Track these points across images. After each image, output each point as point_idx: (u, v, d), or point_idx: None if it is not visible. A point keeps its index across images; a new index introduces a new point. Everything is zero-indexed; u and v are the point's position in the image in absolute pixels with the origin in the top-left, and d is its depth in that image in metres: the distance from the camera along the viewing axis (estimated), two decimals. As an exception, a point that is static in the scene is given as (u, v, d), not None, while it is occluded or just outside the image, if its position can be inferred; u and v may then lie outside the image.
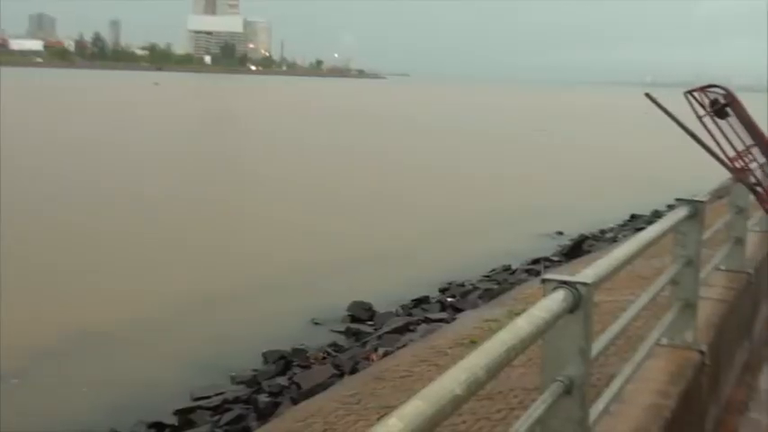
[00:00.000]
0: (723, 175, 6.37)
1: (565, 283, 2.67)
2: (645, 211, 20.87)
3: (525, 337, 2.26)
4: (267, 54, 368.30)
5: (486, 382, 2.02)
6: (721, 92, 6.51)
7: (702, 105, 6.45)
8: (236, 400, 8.79)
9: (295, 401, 8.02)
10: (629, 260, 3.37)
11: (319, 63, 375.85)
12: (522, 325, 2.30)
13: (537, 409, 2.51)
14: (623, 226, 19.27)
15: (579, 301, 2.64)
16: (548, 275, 2.78)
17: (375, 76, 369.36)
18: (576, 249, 15.94)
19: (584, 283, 2.68)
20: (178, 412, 8.60)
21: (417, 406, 1.75)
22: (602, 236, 17.81)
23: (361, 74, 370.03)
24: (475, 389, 1.96)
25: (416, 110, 76.82)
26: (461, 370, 1.95)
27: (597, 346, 3.07)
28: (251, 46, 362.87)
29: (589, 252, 14.91)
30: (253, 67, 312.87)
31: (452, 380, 1.90)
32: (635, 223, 18.97)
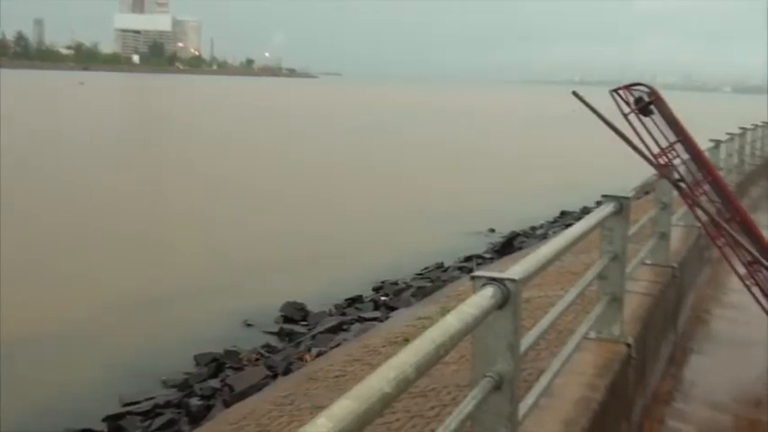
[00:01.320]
0: (649, 172, 6.51)
1: (493, 279, 2.68)
2: (574, 207, 21.24)
3: (454, 334, 2.26)
4: (197, 53, 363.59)
5: (415, 379, 2.02)
6: (645, 90, 6.65)
7: (627, 103, 6.59)
8: (168, 405, 8.65)
9: (228, 404, 7.94)
10: (556, 256, 3.42)
11: (250, 62, 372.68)
12: (452, 322, 2.31)
13: (467, 405, 2.52)
14: (553, 223, 19.59)
15: (508, 297, 2.66)
16: (477, 273, 2.79)
17: (307, 75, 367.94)
18: (508, 246, 16.16)
19: (513, 280, 2.70)
20: (107, 418, 8.42)
21: (346, 405, 1.74)
22: (533, 232, 18.08)
23: (292, 73, 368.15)
24: (404, 387, 1.96)
25: (348, 109, 76.77)
26: (390, 368, 1.95)
27: (526, 341, 3.10)
28: (180, 45, 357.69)
29: (520, 249, 15.14)
30: (180, 66, 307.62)
31: (381, 378, 1.89)
32: (564, 220, 19.30)
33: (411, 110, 79.83)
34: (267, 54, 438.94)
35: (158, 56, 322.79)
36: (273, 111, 70.14)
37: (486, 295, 2.59)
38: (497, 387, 2.67)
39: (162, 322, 11.54)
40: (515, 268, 2.94)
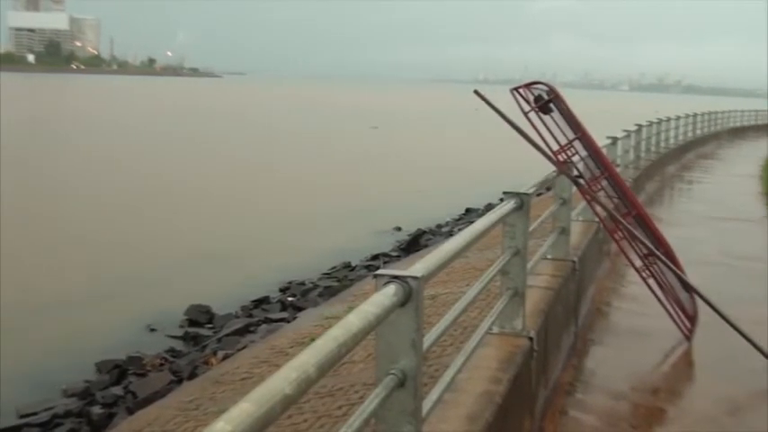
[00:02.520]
0: (550, 169, 6.66)
1: (396, 277, 2.69)
2: (479, 204, 21.56)
3: (357, 333, 2.25)
4: (96, 52, 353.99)
5: (317, 379, 2.00)
6: (545, 88, 6.80)
7: (527, 101, 6.72)
8: (68, 414, 8.38)
9: (131, 411, 7.76)
10: (458, 253, 3.44)
11: (152, 62, 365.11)
12: (354, 321, 2.30)
13: (371, 403, 2.51)
14: (458, 220, 19.84)
15: (410, 294, 2.67)
16: (379, 271, 2.79)
17: (210, 74, 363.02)
18: (414, 244, 16.30)
19: (415, 277, 2.70)
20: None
21: (245, 408, 1.71)
22: (439, 230, 18.28)
23: (195, 72, 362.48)
24: (306, 387, 1.94)
25: (251, 108, 76.02)
26: (291, 369, 1.93)
27: (430, 338, 3.12)
28: (78, 44, 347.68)
29: (426, 246, 15.30)
30: (74, 66, 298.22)
31: (282, 380, 1.86)
32: (469, 217, 19.57)
33: (315, 109, 79.59)
34: (169, 53, 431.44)
35: (55, 55, 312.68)
36: (172, 110, 68.85)
37: (388, 293, 2.59)
38: (401, 384, 2.67)
39: (61, 329, 11.16)
40: (417, 266, 2.95)
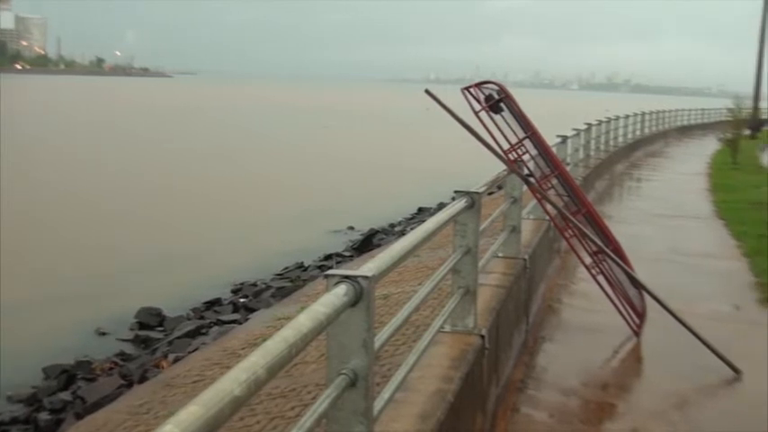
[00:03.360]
0: (501, 168, 6.71)
1: (346, 277, 2.68)
2: (431, 203, 21.64)
3: (307, 333, 2.24)
4: (42, 52, 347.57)
5: (267, 381, 1.99)
6: (495, 88, 6.84)
7: (478, 101, 6.76)
8: (14, 421, 8.21)
9: (80, 416, 7.64)
10: (409, 253, 3.44)
11: (100, 61, 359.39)
12: (304, 321, 2.28)
13: (322, 403, 2.50)
14: (411, 219, 19.91)
15: (361, 294, 2.66)
16: (330, 271, 2.79)
17: (160, 74, 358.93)
18: (367, 243, 16.31)
19: (365, 277, 2.70)
20: (-56, 441, 7.93)
21: (194, 411, 1.68)
22: (392, 229, 18.32)
23: (145, 72, 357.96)
24: (255, 389, 1.92)
25: (200, 109, 75.30)
26: (241, 370, 1.91)
27: (381, 337, 3.11)
28: (24, 44, 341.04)
29: (379, 245, 15.31)
30: (19, 66, 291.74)
31: (231, 381, 1.84)
32: (422, 216, 19.63)
33: (267, 109, 79.17)
34: (118, 53, 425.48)
35: (0, 55, 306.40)
36: (122, 109, 67.92)
37: (339, 293, 2.58)
38: (352, 384, 2.67)
39: (6, 334, 10.89)
40: (368, 265, 2.95)
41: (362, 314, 2.69)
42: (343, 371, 2.68)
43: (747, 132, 34.17)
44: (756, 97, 41.85)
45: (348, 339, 2.70)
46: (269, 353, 2.03)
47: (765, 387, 5.75)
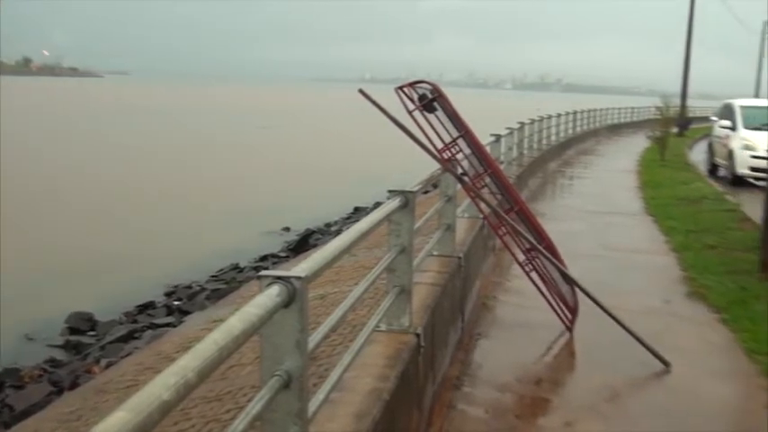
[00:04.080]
0: (435, 167, 6.75)
1: (279, 278, 2.66)
2: (368, 203, 21.65)
3: (238, 335, 2.22)
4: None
5: (197, 384, 1.96)
6: (429, 87, 6.88)
7: (412, 100, 6.79)
8: (-62, 433, 7.97)
9: (8, 425, 7.44)
10: (343, 252, 3.44)
11: (27, 61, 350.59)
12: (235, 323, 2.26)
13: (255, 405, 2.48)
14: (347, 219, 19.89)
15: (294, 295, 2.65)
16: (262, 272, 2.77)
17: (90, 74, 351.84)
18: (303, 244, 16.25)
19: (298, 277, 2.69)
20: None
21: (122, 417, 1.65)
22: (328, 229, 18.28)
23: (74, 72, 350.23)
24: (185, 392, 1.89)
25: (131, 109, 74.06)
26: (170, 375, 1.88)
27: (316, 338, 3.10)
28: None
29: (315, 246, 15.26)
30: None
31: (160, 386, 1.81)
32: (358, 216, 19.62)
33: (201, 109, 78.26)
34: (46, 52, 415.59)
35: None
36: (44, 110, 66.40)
37: (271, 294, 2.56)
38: (286, 385, 2.65)
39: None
40: (302, 266, 2.94)
41: (296, 315, 2.68)
42: (277, 372, 2.66)
43: (675, 130, 35.00)
44: (684, 96, 42.93)
45: (281, 340, 2.69)
46: (199, 356, 2.00)
47: (693, 379, 5.91)
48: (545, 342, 6.69)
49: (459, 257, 6.72)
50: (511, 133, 14.89)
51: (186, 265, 14.83)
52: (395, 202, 4.60)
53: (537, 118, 20.76)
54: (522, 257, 7.09)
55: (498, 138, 12.53)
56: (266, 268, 13.28)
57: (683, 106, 41.87)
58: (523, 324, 7.21)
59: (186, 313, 11.27)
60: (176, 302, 12.23)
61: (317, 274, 2.99)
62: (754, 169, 18.78)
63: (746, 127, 20.32)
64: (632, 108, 48.30)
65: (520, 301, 7.78)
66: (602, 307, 6.55)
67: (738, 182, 19.73)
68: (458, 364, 5.98)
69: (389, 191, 4.80)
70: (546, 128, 22.49)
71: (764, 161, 9.95)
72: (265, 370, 2.70)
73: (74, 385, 8.30)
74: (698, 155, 27.80)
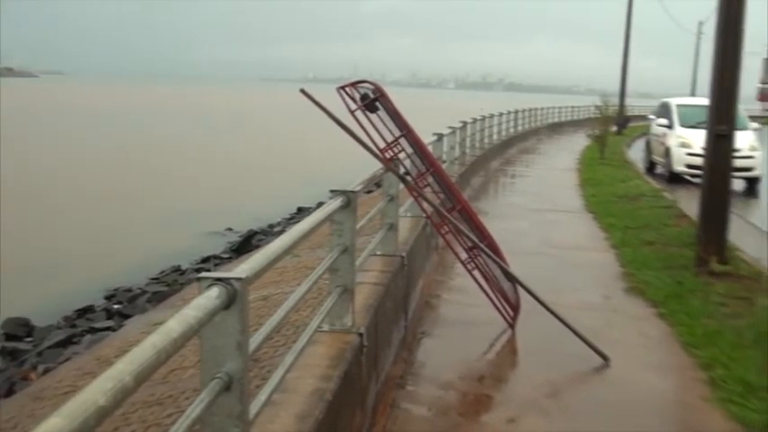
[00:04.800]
0: (378, 166, 6.76)
1: (219, 279, 2.64)
2: (311, 203, 21.57)
3: (177, 338, 2.19)
4: None
5: (135, 388, 1.93)
6: (370, 87, 6.89)
7: (354, 100, 6.79)
8: None
9: (-59, 435, 7.23)
10: (284, 253, 3.42)
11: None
12: (174, 326, 2.23)
13: (195, 408, 2.45)
14: (290, 219, 19.81)
15: (234, 296, 2.63)
16: (202, 273, 2.74)
17: (26, 74, 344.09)
18: (246, 245, 16.14)
19: (239, 278, 2.67)
20: None
21: (56, 423, 1.62)
22: (271, 230, 18.19)
23: (9, 72, 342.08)
24: (122, 397, 1.86)
25: (65, 110, 72.64)
26: (106, 379, 1.85)
27: (257, 339, 3.08)
28: None
29: (258, 247, 15.16)
30: None
31: (96, 391, 1.78)
32: (302, 216, 19.55)
33: (142, 110, 77.13)
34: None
35: None
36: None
37: (211, 296, 2.54)
38: (227, 387, 2.63)
39: None
40: (242, 267, 2.92)
41: (236, 316, 2.66)
42: (218, 375, 2.64)
43: (614, 129, 35.61)
44: (622, 95, 43.70)
45: (222, 342, 2.67)
46: (136, 360, 1.97)
47: (631, 372, 6.02)
48: (488, 339, 6.75)
49: (403, 256, 6.74)
50: (453, 132, 14.98)
51: (127, 267, 14.61)
52: (337, 202, 4.60)
53: (479, 117, 20.93)
54: (464, 256, 7.14)
55: (440, 137, 12.60)
56: (208, 270, 13.15)
57: (622, 105, 42.63)
58: (466, 322, 7.25)
59: (127, 317, 11.09)
60: (116, 306, 12.04)
61: (257, 275, 2.98)
62: (690, 166, 19.20)
63: (683, 125, 20.76)
64: (572, 107, 49.02)
65: (463, 299, 7.84)
66: (542, 304, 6.63)
67: (675, 179, 20.17)
68: (401, 362, 6.00)
69: (331, 191, 4.80)
70: (488, 127, 22.69)
71: (700, 158, 10.18)
72: (205, 372, 2.67)
73: (10, 393, 8.10)
74: (636, 153, 28.31)
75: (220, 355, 2.67)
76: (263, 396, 3.11)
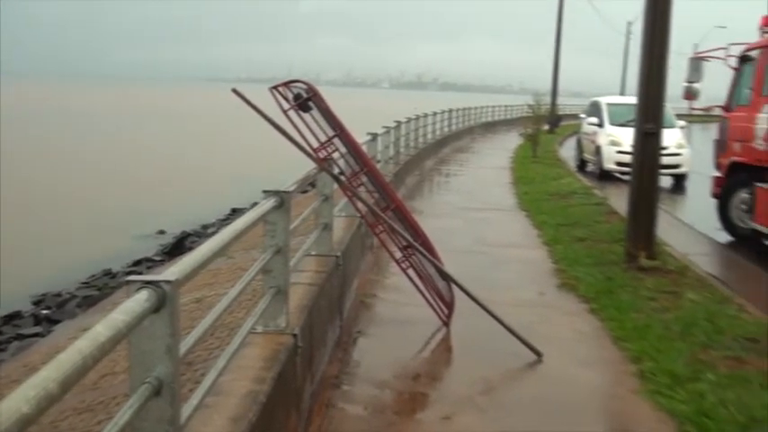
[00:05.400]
0: (313, 166, 6.74)
1: (148, 283, 2.61)
2: (245, 204, 21.37)
3: (104, 343, 2.15)
4: None
5: (60, 395, 1.89)
6: (303, 87, 6.87)
7: (287, 99, 6.76)
8: None
9: None
10: (216, 255, 3.39)
11: None
12: (101, 330, 2.19)
13: (124, 415, 2.41)
14: (224, 220, 19.61)
15: (164, 299, 2.60)
16: (130, 277, 2.70)
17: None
18: (179, 247, 15.93)
19: (168, 281, 2.64)
20: None
21: (-26, 432, 1.58)
22: (205, 231, 17.97)
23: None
24: (47, 405, 1.82)
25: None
26: (30, 387, 1.80)
27: (188, 343, 3.05)
28: None
29: (191, 249, 14.97)
30: None
31: (19, 398, 1.74)
32: (236, 217, 19.36)
33: (70, 112, 75.50)
34: None
35: None
36: None
37: (140, 300, 2.50)
38: (157, 392, 2.60)
39: None
40: (172, 269, 2.88)
41: (166, 320, 2.63)
42: (148, 379, 2.60)
43: (546, 128, 36.16)
44: (554, 94, 44.42)
45: (152, 346, 2.63)
46: (61, 366, 1.93)
47: (564, 367, 6.12)
48: (423, 338, 6.78)
49: (337, 256, 6.74)
50: (387, 132, 15.03)
51: (56, 271, 14.27)
52: (270, 203, 4.57)
53: (413, 116, 21.03)
54: (399, 255, 7.17)
55: (375, 136, 12.62)
56: (140, 273, 12.96)
57: (554, 104, 43.34)
58: (402, 321, 7.28)
59: (56, 322, 10.85)
60: (45, 311, 11.74)
61: (188, 277, 2.94)
62: (619, 164, 19.63)
63: (612, 124, 21.20)
64: (506, 106, 49.63)
65: (398, 298, 7.86)
66: (476, 301, 6.70)
67: (605, 176, 20.59)
68: (337, 362, 5.99)
69: (264, 191, 4.77)
70: (422, 126, 22.82)
71: (629, 156, 10.42)
72: (135, 377, 2.63)
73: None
74: (568, 151, 28.80)
75: (150, 359, 2.63)
76: (194, 400, 3.07)
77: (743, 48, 12.71)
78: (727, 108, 13.13)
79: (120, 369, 5.52)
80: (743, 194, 12.11)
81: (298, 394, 4.57)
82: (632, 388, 5.65)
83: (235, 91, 6.44)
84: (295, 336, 4.53)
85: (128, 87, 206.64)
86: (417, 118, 21.68)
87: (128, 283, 2.66)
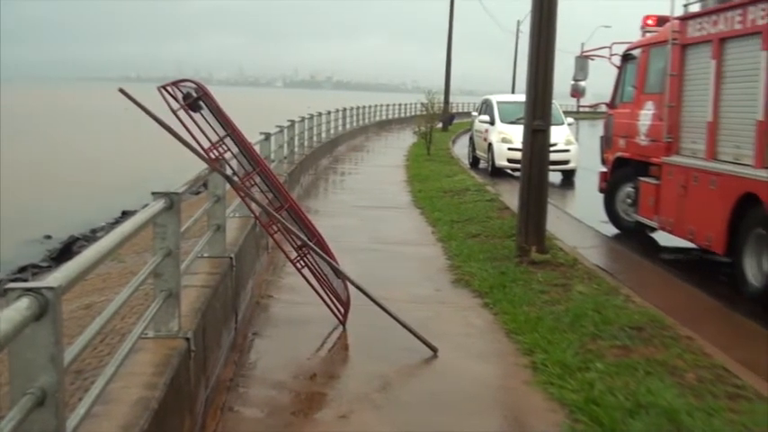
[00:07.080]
0: (204, 167, 6.63)
1: (29, 290, 2.51)
2: (136, 206, 20.84)
3: (-19, 354, 2.06)
4: None
5: (-68, 411, 1.80)
6: (193, 86, 6.76)
7: (176, 99, 6.63)
8: None
9: None
10: (102, 258, 3.30)
11: None
12: (-23, 341, 2.10)
13: (5, 427, 2.32)
14: (114, 224, 19.09)
15: (46, 306, 2.51)
16: (9, 284, 2.60)
17: None
18: (67, 252, 15.43)
19: (50, 288, 2.55)
20: None
21: None
22: (94, 235, 17.46)
23: None
24: None
25: None
26: None
27: (73, 351, 2.95)
28: None
29: (80, 253, 14.52)
30: None
31: None
32: (126, 219, 18.89)
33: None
34: None
35: None
36: None
37: (20, 308, 2.41)
38: (40, 403, 2.51)
39: None
40: (55, 275, 2.79)
41: (49, 328, 2.54)
42: (30, 390, 2.51)
43: (440, 125, 36.66)
44: (447, 92, 45.09)
45: (33, 356, 2.54)
46: (-67, 380, 1.84)
47: (459, 361, 6.22)
48: (319, 337, 6.78)
49: (231, 258, 6.65)
50: (281, 131, 14.94)
51: (-66, 281, 13.60)
52: (159, 204, 4.48)
53: (307, 115, 20.97)
54: (294, 255, 7.14)
55: (268, 136, 12.52)
56: (26, 280, 12.48)
57: (447, 102, 43.97)
58: (298, 321, 7.26)
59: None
60: None
61: (72, 283, 2.85)
62: (511, 161, 20.09)
63: (503, 121, 21.68)
64: (400, 105, 50.05)
65: (294, 298, 7.84)
66: (372, 299, 6.73)
67: (498, 173, 21.05)
68: (232, 365, 5.92)
69: (153, 193, 4.67)
70: (316, 125, 22.78)
71: (520, 153, 10.66)
72: (16, 388, 2.53)
73: None
74: (461, 149, 29.29)
75: (32, 368, 2.54)
76: (81, 409, 2.98)
77: (626, 47, 13.18)
78: (611, 105, 13.60)
79: (5, 380, 5.31)
80: (628, 188, 12.57)
81: (191, 399, 4.49)
82: (525, 379, 5.79)
83: (122, 90, 6.28)
84: (188, 339, 4.45)
85: (8, 88, 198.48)
86: (311, 117, 21.63)
87: (6, 291, 2.56)
